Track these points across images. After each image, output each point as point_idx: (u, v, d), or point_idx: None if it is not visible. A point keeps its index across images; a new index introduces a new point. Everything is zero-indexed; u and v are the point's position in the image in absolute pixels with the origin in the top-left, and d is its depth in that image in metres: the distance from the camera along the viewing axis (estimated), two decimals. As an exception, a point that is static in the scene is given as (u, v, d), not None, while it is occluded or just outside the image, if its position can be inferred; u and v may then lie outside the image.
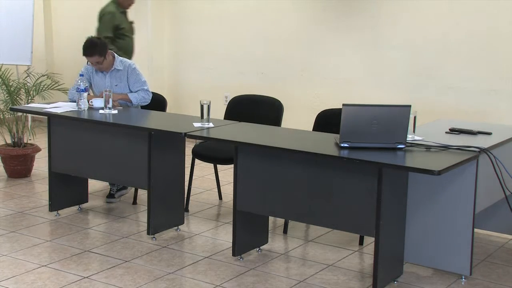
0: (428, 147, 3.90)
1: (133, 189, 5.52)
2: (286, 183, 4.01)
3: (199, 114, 4.60)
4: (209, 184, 6.01)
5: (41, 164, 6.40)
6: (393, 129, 3.82)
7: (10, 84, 6.22)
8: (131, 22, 6.56)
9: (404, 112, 3.82)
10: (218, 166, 5.54)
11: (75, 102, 5.08)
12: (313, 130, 4.82)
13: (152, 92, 5.43)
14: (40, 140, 6.76)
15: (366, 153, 3.74)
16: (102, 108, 4.95)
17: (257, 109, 5.32)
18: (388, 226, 3.79)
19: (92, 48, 5.15)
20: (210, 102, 4.58)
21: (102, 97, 4.98)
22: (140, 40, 7.69)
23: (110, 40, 6.09)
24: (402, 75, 6.36)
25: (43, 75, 6.50)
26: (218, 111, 5.48)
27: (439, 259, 4.00)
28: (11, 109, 5.68)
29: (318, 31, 6.85)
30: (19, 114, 6.25)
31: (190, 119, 4.80)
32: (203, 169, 6.30)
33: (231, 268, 4.17)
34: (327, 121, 4.78)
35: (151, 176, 4.55)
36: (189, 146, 5.24)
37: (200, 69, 7.69)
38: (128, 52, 6.37)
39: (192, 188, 5.39)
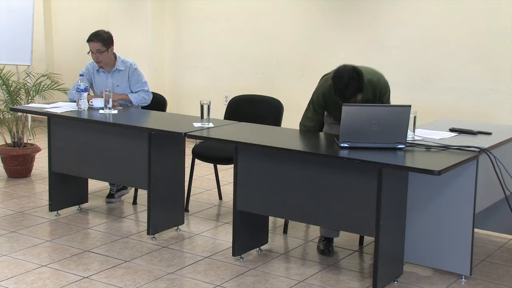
0: (428, 147, 3.90)
1: (133, 189, 5.52)
2: (286, 183, 4.01)
3: (199, 114, 4.60)
4: (209, 184, 6.00)
5: (41, 164, 6.39)
6: (393, 129, 3.82)
7: (10, 84, 6.23)
8: None
9: (404, 112, 3.82)
10: (218, 166, 5.54)
11: (75, 102, 5.08)
12: (313, 130, 4.82)
13: (152, 92, 5.43)
14: (40, 140, 6.76)
15: (366, 153, 3.74)
16: (102, 108, 4.95)
17: (257, 109, 5.31)
18: (388, 226, 3.78)
19: (98, 35, 5.23)
20: (210, 102, 4.58)
21: (102, 97, 4.98)
22: (140, 40, 7.71)
23: None
24: (402, 75, 6.36)
25: (43, 75, 6.49)
26: (218, 111, 5.48)
27: (439, 259, 3.99)
28: (11, 109, 5.68)
29: (318, 31, 6.85)
30: (19, 114, 6.25)
31: (190, 119, 4.80)
32: (203, 169, 6.30)
33: (231, 268, 4.17)
34: (327, 121, 4.78)
35: (151, 176, 4.55)
36: (189, 146, 5.24)
37: (200, 69, 7.68)
38: None
39: (192, 188, 5.38)
